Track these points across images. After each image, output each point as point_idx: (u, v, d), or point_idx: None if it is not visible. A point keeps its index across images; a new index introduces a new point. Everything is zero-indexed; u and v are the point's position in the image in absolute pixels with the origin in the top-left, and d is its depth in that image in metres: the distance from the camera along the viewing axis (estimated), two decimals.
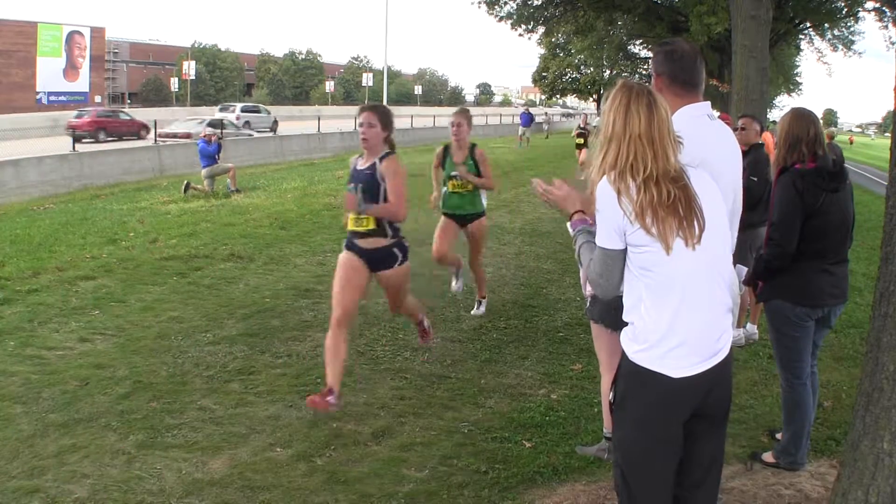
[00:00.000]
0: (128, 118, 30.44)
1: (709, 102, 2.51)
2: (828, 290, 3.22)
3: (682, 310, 1.94)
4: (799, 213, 3.11)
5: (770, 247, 3.20)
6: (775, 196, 3.21)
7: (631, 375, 2.00)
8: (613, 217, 1.97)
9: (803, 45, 30.87)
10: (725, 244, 2.07)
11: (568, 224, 2.25)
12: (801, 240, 3.14)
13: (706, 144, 2.19)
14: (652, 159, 1.95)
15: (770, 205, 3.31)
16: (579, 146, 18.69)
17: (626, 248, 1.99)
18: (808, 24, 24.76)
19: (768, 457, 3.44)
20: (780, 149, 3.23)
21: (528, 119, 33.92)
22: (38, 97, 55.32)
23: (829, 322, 3.36)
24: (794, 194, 3.12)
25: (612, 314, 3.08)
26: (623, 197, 1.95)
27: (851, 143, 60.13)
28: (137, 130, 28.82)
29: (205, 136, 14.13)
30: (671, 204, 1.93)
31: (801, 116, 3.22)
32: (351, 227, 3.98)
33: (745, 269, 2.74)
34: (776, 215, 3.18)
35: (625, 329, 2.06)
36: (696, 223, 1.94)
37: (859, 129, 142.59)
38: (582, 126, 20.33)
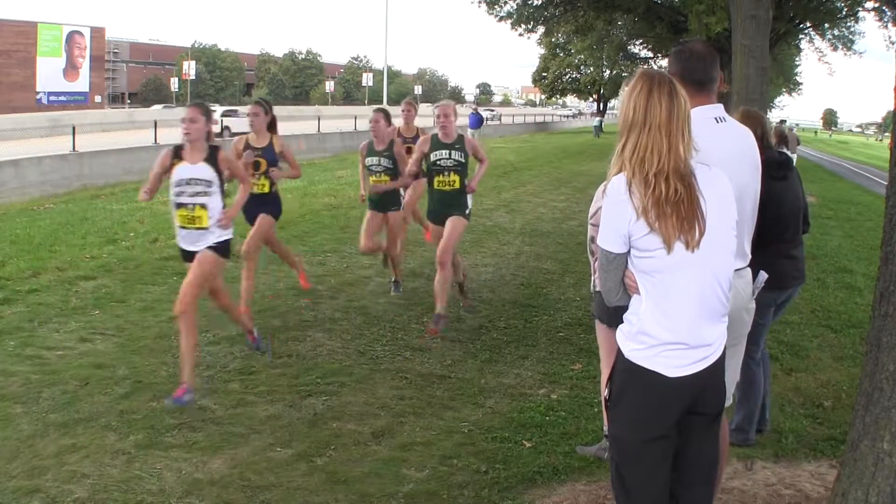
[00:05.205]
0: None
1: (720, 105, 2.48)
2: (791, 273, 3.50)
3: (679, 314, 1.95)
4: None
5: None
6: None
7: (626, 373, 2.02)
8: (620, 219, 1.95)
9: (803, 44, 30.89)
10: (726, 249, 2.02)
11: None
12: (763, 227, 3.10)
13: (706, 149, 2.09)
14: (666, 152, 1.92)
15: None
16: None
17: (627, 252, 1.98)
18: (808, 24, 24.76)
19: None
20: None
21: (476, 121, 29.59)
22: (37, 97, 55.32)
23: (786, 304, 3.66)
24: None
25: (607, 311, 3.09)
26: (634, 190, 1.92)
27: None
28: None
29: None
30: (676, 202, 1.90)
31: (748, 117, 3.38)
32: None
33: (765, 276, 2.68)
34: None
35: (621, 327, 2.07)
36: (696, 226, 1.92)
37: (859, 129, 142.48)
38: None
